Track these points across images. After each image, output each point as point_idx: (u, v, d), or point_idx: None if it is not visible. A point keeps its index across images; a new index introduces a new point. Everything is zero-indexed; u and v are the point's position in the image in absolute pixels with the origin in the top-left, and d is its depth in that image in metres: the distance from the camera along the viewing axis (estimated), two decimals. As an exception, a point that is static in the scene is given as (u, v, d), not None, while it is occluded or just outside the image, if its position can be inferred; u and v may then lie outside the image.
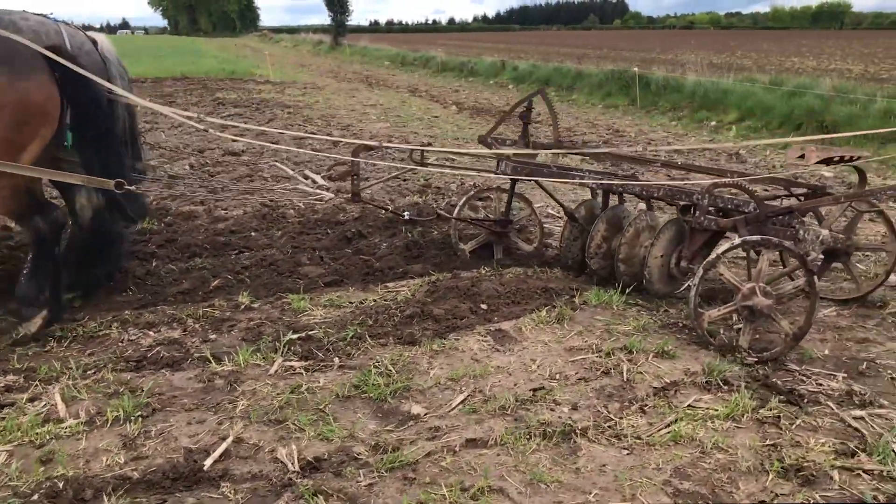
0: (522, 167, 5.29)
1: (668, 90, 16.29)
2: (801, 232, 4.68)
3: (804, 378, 4.17)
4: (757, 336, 4.55)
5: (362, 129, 13.35)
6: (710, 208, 4.85)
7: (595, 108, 17.48)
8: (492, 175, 5.49)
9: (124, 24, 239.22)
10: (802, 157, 4.95)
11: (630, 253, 5.27)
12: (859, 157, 5.02)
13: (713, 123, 14.26)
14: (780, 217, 4.76)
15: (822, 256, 4.83)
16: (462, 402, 3.77)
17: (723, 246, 4.40)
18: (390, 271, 5.69)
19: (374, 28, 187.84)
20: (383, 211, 5.99)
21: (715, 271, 4.36)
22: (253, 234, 6.67)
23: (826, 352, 4.54)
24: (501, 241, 6.12)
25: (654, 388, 3.88)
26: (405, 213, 5.68)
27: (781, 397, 3.87)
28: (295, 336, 4.48)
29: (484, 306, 4.94)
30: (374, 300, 5.11)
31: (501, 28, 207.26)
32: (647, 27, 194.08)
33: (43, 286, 4.43)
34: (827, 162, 4.92)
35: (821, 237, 4.68)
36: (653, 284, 5.12)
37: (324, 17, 47.12)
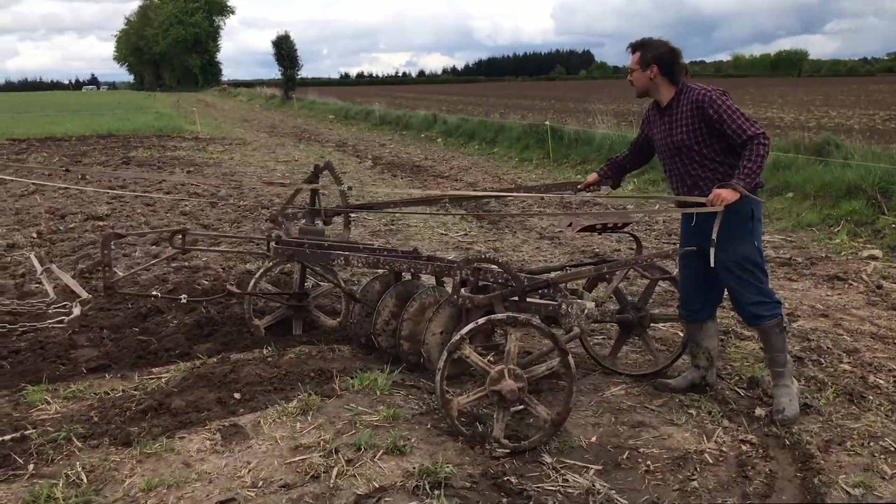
0: (284, 249, 4.88)
1: (579, 143, 16.15)
2: (564, 306, 4.33)
3: (550, 473, 3.78)
4: (531, 420, 4.19)
5: (254, 189, 13.00)
6: (464, 285, 4.49)
7: (511, 161, 17.29)
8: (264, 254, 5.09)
9: (93, 80, 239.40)
10: (570, 225, 4.63)
11: (414, 330, 4.88)
12: (625, 225, 4.72)
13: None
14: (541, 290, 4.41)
15: (585, 329, 4.47)
16: (136, 520, 3.32)
17: (467, 326, 4.02)
18: (167, 353, 5.25)
19: (341, 81, 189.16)
20: (154, 297, 5.51)
21: (460, 353, 3.97)
22: (51, 310, 6.21)
23: (593, 439, 4.16)
24: (300, 316, 5.70)
25: (358, 495, 3.45)
26: (182, 298, 5.23)
27: (505, 500, 3.47)
28: (7, 438, 4.01)
29: (237, 395, 4.51)
30: (124, 390, 4.66)
31: (469, 80, 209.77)
32: (612, 77, 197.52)
33: None
34: (591, 230, 4.62)
35: (585, 310, 4.32)
36: (432, 364, 4.72)
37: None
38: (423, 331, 4.77)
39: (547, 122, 17.50)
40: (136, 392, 4.62)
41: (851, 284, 7.14)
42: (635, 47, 4.36)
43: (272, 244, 4.88)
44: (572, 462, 3.90)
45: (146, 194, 12.41)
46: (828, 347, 5.48)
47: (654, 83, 4.31)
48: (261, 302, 5.95)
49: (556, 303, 4.34)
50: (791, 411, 4.27)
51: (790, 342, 5.57)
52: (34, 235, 9.02)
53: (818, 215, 9.73)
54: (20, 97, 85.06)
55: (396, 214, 10.61)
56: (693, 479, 3.73)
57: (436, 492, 3.46)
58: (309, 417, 4.23)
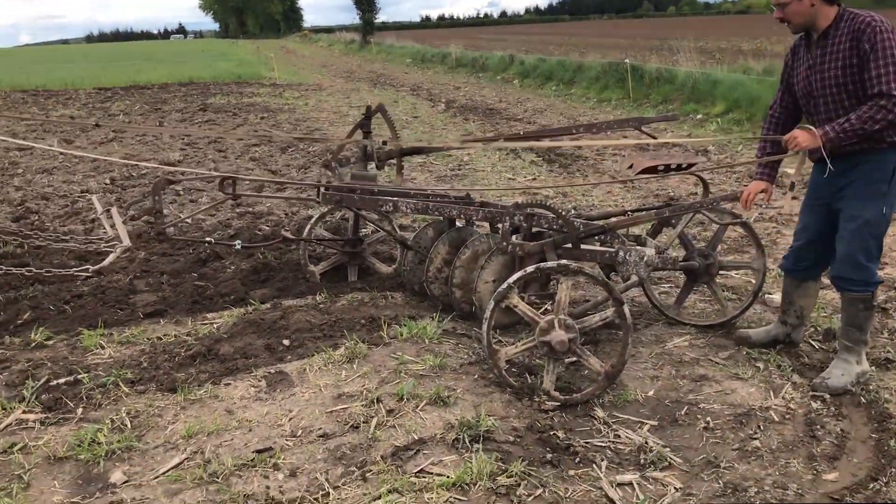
0: (332, 195, 4.72)
1: (661, 82, 15.48)
2: (622, 253, 4.07)
3: (602, 428, 3.59)
4: (585, 372, 4.00)
5: (325, 133, 12.95)
6: (517, 231, 4.27)
7: (589, 102, 16.75)
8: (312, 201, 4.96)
9: (181, 29, 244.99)
10: (631, 167, 4.32)
11: (466, 278, 4.72)
12: (691, 165, 4.37)
13: (699, 116, 13.44)
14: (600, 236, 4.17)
15: (643, 278, 4.19)
16: (174, 466, 3.30)
17: (515, 274, 3.82)
18: (222, 299, 5.24)
19: (421, 24, 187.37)
20: (209, 243, 5.41)
21: (508, 302, 3.79)
22: (103, 248, 6.29)
23: (650, 393, 3.94)
24: (355, 263, 5.61)
25: (396, 446, 3.34)
26: (237, 244, 5.16)
27: (549, 455, 3.31)
28: (62, 381, 4.07)
29: (286, 342, 4.46)
30: (176, 335, 4.67)
31: (552, 19, 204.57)
32: (702, 13, 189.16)
33: None
34: (653, 171, 4.29)
35: (645, 258, 4.06)
36: (484, 312, 4.55)
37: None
38: (476, 279, 4.59)
39: (627, 60, 16.82)
40: (187, 338, 4.62)
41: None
42: None
43: (321, 190, 4.73)
44: (626, 417, 3.71)
45: (219, 140, 12.52)
46: (917, 297, 5.06)
47: (815, 10, 3.58)
48: (318, 248, 5.88)
49: (613, 250, 4.10)
50: (836, 382, 3.84)
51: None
52: (107, 182, 9.18)
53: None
54: (110, 48, 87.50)
55: (465, 159, 10.39)
56: (755, 438, 3.49)
57: (475, 445, 3.32)
58: (355, 366, 4.14)
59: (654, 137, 4.58)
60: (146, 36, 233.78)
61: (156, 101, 19.41)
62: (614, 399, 3.87)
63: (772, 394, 3.88)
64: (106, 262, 4.50)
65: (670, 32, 44.70)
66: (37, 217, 7.57)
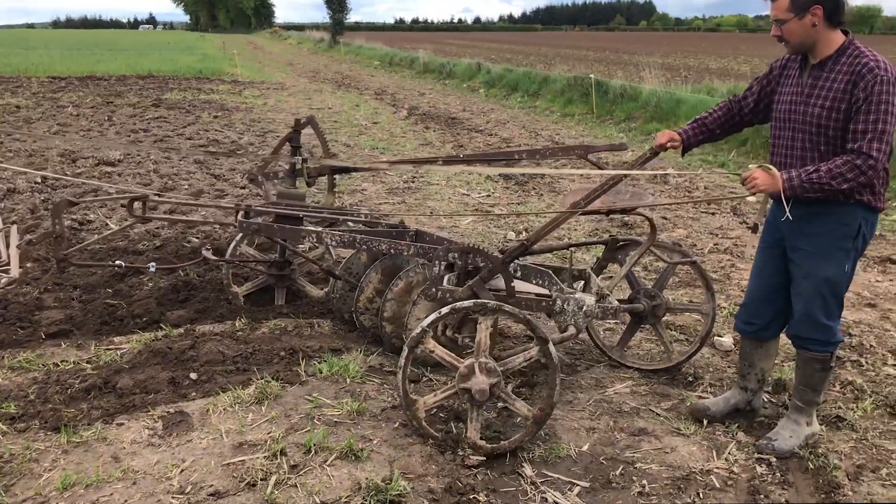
0: (249, 224, 4.30)
1: (625, 98, 15.27)
2: (559, 302, 3.74)
3: (528, 489, 3.26)
4: (518, 419, 3.67)
5: (280, 136, 12.50)
6: (452, 270, 3.92)
7: (552, 116, 16.49)
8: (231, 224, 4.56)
9: (150, 20, 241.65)
10: (576, 202, 4.00)
11: (398, 311, 4.37)
12: (634, 208, 4.07)
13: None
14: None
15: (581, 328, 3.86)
16: (39, 527, 2.90)
17: (428, 317, 3.48)
18: (134, 320, 4.82)
19: (395, 26, 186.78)
20: (119, 268, 4.90)
21: (423, 347, 3.44)
22: (29, 264, 5.83)
23: (585, 447, 3.62)
24: (283, 284, 5.22)
25: (294, 512, 2.98)
26: (150, 266, 4.68)
27: (467, 527, 2.97)
28: (-66, 416, 3.63)
29: (194, 375, 4.07)
30: (75, 362, 4.25)
31: (525, 28, 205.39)
32: (673, 29, 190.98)
33: None
34: (596, 212, 3.99)
35: (584, 307, 3.73)
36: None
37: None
38: (407, 314, 4.24)
39: (592, 76, 16.60)
40: (87, 365, 4.21)
41: (905, 269, 6.39)
42: None
43: (239, 215, 4.33)
44: (556, 476, 3.38)
45: (167, 138, 12.03)
46: (871, 346, 4.82)
47: (816, 32, 3.18)
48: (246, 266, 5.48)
49: (550, 297, 3.77)
50: (783, 445, 3.55)
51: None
52: (38, 181, 8.67)
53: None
54: (73, 34, 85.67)
55: (420, 171, 10.04)
56: (693, 508, 3.18)
57: (383, 512, 2.97)
58: (263, 408, 3.76)
59: (601, 168, 4.27)
60: (115, 25, 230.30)
61: (109, 93, 18.78)
62: (545, 454, 3.54)
63: (714, 454, 3.58)
64: None
65: (640, 47, 45.01)
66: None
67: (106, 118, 14.14)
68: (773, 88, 3.51)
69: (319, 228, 4.24)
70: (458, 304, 3.46)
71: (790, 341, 3.65)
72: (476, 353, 3.39)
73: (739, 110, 3.66)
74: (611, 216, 4.74)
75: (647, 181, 9.46)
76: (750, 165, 3.33)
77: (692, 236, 7.34)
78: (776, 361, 4.46)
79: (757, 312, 3.65)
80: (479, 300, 3.47)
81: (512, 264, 3.88)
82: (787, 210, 3.19)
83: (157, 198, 4.42)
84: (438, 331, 4.02)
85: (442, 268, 3.86)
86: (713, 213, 8.32)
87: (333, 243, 4.18)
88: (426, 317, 4.01)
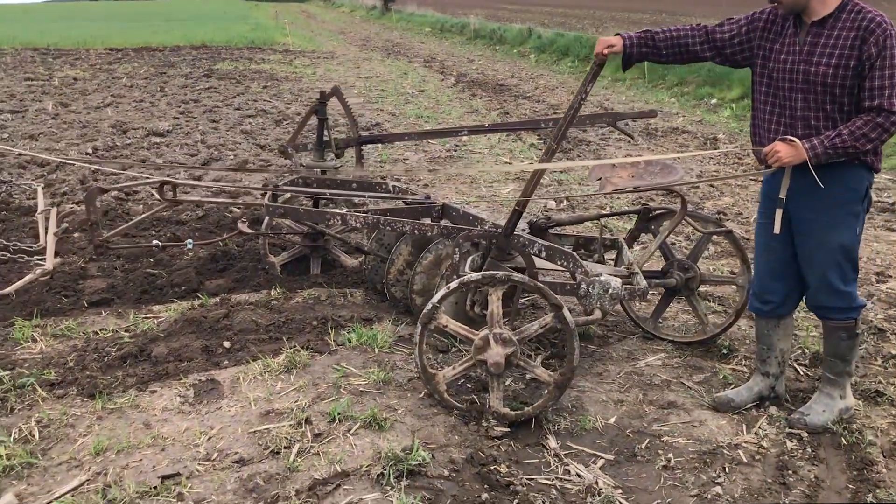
0: (275, 209, 4.32)
1: (677, 63, 14.85)
2: (584, 286, 3.67)
3: (551, 461, 3.26)
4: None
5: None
6: (478, 248, 3.92)
7: (603, 81, 16.17)
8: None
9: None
10: (600, 182, 3.93)
11: (427, 284, 4.37)
12: (658, 187, 3.96)
13: (713, 101, 12.91)
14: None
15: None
16: (72, 489, 3.00)
17: (439, 293, 3.47)
18: (173, 289, 4.93)
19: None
20: (156, 248, 4.95)
21: (436, 323, 3.44)
22: (76, 234, 5.99)
23: (612, 420, 3.59)
24: (318, 255, 5.26)
25: (315, 479, 3.02)
26: (187, 243, 4.71)
27: (485, 496, 2.98)
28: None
29: (227, 343, 4.14)
30: (114, 330, 4.37)
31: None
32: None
33: None
34: (622, 191, 3.90)
35: (610, 290, 3.66)
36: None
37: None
38: (436, 287, 4.24)
39: (643, 39, 16.18)
40: (125, 333, 4.32)
41: (963, 238, 6.15)
42: None
43: (266, 200, 4.36)
44: (581, 448, 3.37)
45: (217, 108, 12.18)
46: (919, 318, 4.65)
47: None
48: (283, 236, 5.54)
49: (575, 282, 3.72)
50: (816, 419, 3.46)
51: (873, 308, 4.78)
52: (89, 151, 8.88)
53: (936, 153, 8.53)
54: (131, 6, 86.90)
55: (463, 139, 9.98)
56: (718, 482, 3.14)
57: (402, 482, 2.99)
58: (292, 376, 3.82)
59: (631, 136, 4.17)
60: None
61: (163, 64, 19.05)
62: (571, 426, 3.53)
63: (744, 428, 3.52)
64: (13, 288, 4.12)
65: (699, 9, 43.64)
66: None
67: (158, 89, 14.37)
68: (758, 44, 3.34)
69: (343, 210, 4.23)
70: (467, 277, 3.44)
71: (815, 314, 3.55)
72: (490, 324, 3.38)
73: (706, 40, 3.44)
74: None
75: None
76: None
77: (738, 204, 7.15)
78: (813, 335, 4.35)
79: (772, 290, 3.53)
80: (487, 272, 3.45)
81: (536, 245, 3.84)
82: (817, 178, 3.09)
83: (184, 182, 4.47)
84: (468, 307, 4.04)
85: (459, 254, 3.84)
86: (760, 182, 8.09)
87: (357, 225, 4.16)
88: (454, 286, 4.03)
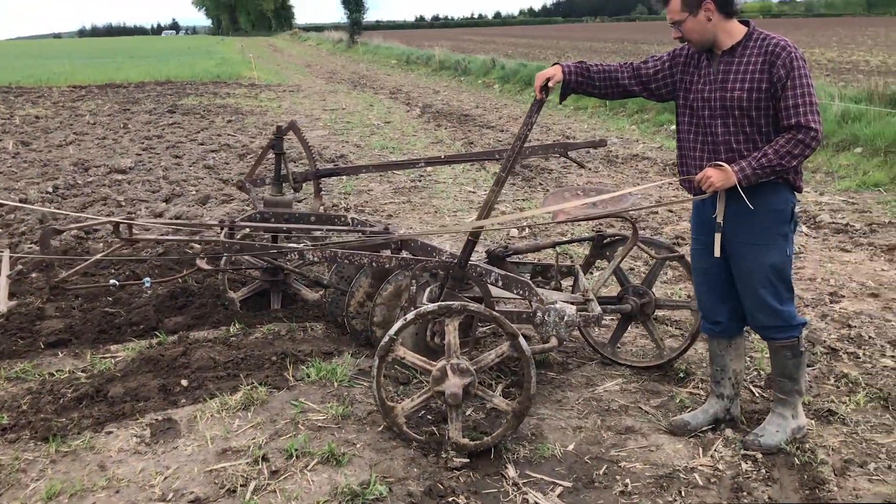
0: (232, 245, 4.32)
1: (638, 90, 15.11)
2: (540, 314, 3.72)
3: (510, 490, 3.26)
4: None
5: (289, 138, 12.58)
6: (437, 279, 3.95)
7: (565, 110, 16.42)
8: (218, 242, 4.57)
9: (174, 25, 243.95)
10: (554, 214, 3.99)
11: (388, 316, 4.38)
12: (609, 215, 4.03)
13: (673, 128, 13.11)
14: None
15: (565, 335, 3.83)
16: (23, 535, 2.96)
17: (396, 324, 3.49)
18: (131, 328, 4.89)
19: (415, 24, 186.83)
20: (113, 287, 4.88)
21: (394, 355, 3.45)
22: (34, 274, 5.93)
23: (571, 447, 3.61)
24: (279, 289, 5.26)
25: (269, 518, 3.01)
26: (145, 281, 4.67)
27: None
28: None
29: (185, 382, 4.11)
30: (71, 371, 4.32)
31: (545, 21, 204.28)
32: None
33: None
34: (574, 220, 3.97)
35: (565, 317, 3.71)
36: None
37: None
38: (396, 319, 4.25)
39: (603, 68, 16.46)
40: (81, 374, 4.28)
41: (914, 257, 6.29)
42: None
43: (223, 236, 4.36)
44: (539, 476, 3.38)
45: (180, 143, 12.16)
46: (870, 337, 4.74)
47: (715, 26, 3.22)
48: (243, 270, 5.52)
49: (530, 310, 3.76)
50: (770, 440, 3.49)
51: (826, 328, 4.87)
52: (49, 190, 8.81)
53: (887, 174, 8.74)
54: (98, 43, 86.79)
55: (428, 169, 10.05)
56: (674, 506, 3.16)
57: (358, 518, 2.99)
58: (250, 413, 3.80)
59: (582, 165, 4.25)
60: (139, 31, 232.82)
61: (127, 100, 19.03)
62: (530, 454, 3.54)
63: (700, 451, 3.55)
64: None
65: (659, 37, 44.58)
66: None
67: (122, 125, 14.32)
68: (679, 78, 3.46)
69: (300, 246, 4.24)
70: (423, 308, 3.47)
71: (758, 334, 3.62)
72: (447, 355, 3.40)
73: (633, 75, 3.54)
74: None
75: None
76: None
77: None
78: (767, 356, 4.42)
79: (717, 311, 3.60)
80: (443, 303, 3.48)
81: (493, 275, 3.88)
82: (747, 200, 3.19)
83: (140, 222, 4.46)
84: (428, 337, 4.06)
85: (416, 286, 3.88)
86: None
87: (316, 259, 4.17)
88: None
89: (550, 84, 3.53)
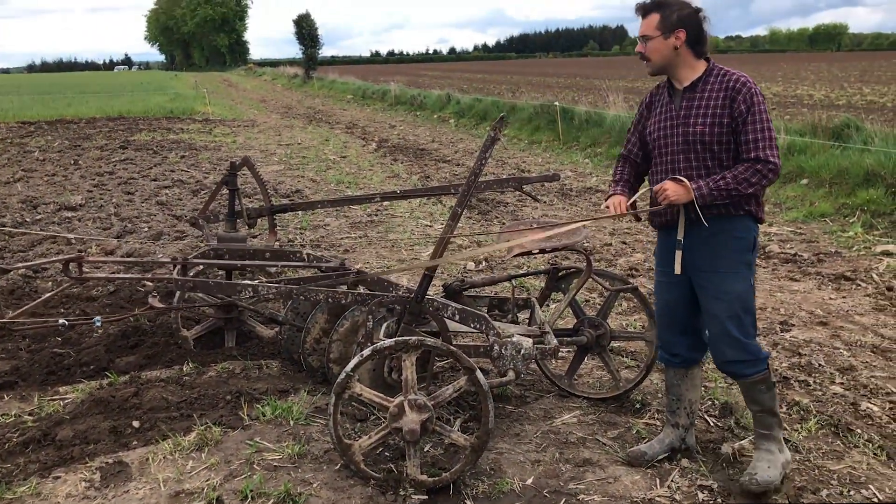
0: (185, 282, 4.29)
1: (590, 125, 15.42)
2: (497, 347, 3.73)
3: (468, 528, 3.23)
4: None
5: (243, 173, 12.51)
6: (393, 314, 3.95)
7: (520, 144, 16.62)
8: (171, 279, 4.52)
9: (126, 60, 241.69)
10: (509, 250, 4.02)
11: (345, 352, 4.34)
12: (563, 248, 4.08)
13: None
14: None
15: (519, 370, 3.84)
16: (-36, 588, 2.84)
17: (352, 361, 3.47)
18: (81, 368, 4.77)
19: (370, 60, 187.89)
20: (62, 327, 4.74)
21: (350, 392, 3.43)
22: (-19, 315, 5.77)
23: (529, 481, 3.59)
24: (233, 326, 5.19)
25: (224, 562, 2.94)
26: (95, 321, 4.51)
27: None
28: None
29: (136, 423, 4.02)
30: (17, 415, 4.20)
31: (499, 57, 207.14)
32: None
33: None
34: (528, 254, 4.00)
35: (522, 351, 3.73)
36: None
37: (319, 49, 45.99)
38: (353, 354, 4.22)
39: (557, 103, 16.76)
40: (28, 418, 4.16)
41: (859, 285, 6.46)
42: (650, 7, 3.33)
43: (176, 272, 4.31)
44: (496, 512, 3.35)
45: (132, 180, 12.01)
46: (819, 365, 4.84)
47: (678, 56, 3.32)
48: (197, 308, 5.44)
49: (487, 344, 3.78)
50: (765, 476, 3.44)
51: (778, 357, 4.96)
52: (-2, 228, 8.61)
53: (832, 205, 9.00)
54: (48, 78, 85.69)
55: (384, 203, 10.06)
56: (632, 539, 3.16)
57: (314, 559, 2.93)
58: (204, 454, 3.72)
59: (536, 199, 4.30)
60: (90, 66, 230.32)
61: (78, 136, 18.74)
62: (489, 489, 3.52)
63: (657, 482, 3.57)
64: None
65: (610, 72, 45.49)
66: None
67: (72, 162, 14.10)
68: (648, 120, 3.58)
69: (255, 282, 4.20)
70: (379, 344, 3.46)
71: (727, 375, 3.66)
72: (404, 391, 3.38)
73: (634, 160, 3.71)
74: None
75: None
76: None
77: (650, 260, 7.37)
78: (721, 385, 4.49)
79: (677, 343, 3.65)
80: (400, 338, 3.47)
81: (449, 309, 3.89)
82: (702, 217, 3.26)
83: (91, 259, 4.39)
84: (386, 373, 4.05)
85: (372, 321, 3.88)
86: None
87: (271, 296, 4.14)
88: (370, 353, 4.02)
89: (628, 205, 3.59)
